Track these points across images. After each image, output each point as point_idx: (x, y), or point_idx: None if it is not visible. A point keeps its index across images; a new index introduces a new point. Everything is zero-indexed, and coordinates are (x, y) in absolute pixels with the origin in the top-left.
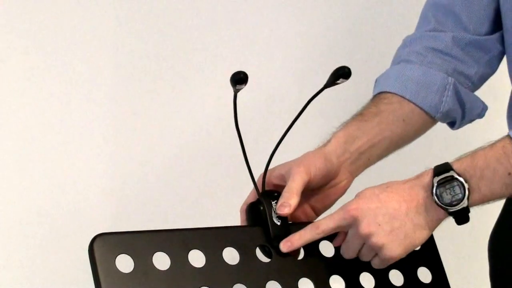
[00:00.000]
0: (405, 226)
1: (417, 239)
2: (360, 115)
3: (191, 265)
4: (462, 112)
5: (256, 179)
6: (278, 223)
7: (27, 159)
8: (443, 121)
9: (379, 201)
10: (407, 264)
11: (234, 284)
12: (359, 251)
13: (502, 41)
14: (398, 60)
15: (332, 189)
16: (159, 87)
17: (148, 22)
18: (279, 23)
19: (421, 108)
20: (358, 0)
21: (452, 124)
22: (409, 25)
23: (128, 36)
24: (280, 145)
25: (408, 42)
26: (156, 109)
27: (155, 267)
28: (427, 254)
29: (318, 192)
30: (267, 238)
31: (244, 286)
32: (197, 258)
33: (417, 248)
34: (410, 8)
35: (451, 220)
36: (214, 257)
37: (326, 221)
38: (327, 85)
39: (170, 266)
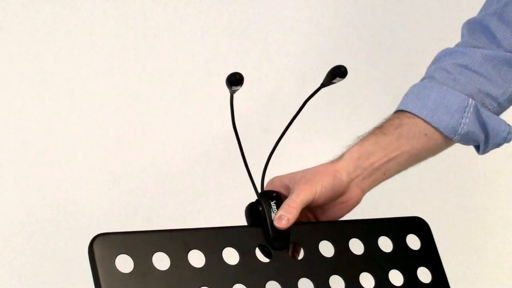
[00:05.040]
0: None
1: None
2: (379, 128)
3: (191, 265)
4: (485, 136)
5: (255, 180)
6: None
7: (27, 159)
8: (464, 144)
9: None
10: (407, 264)
11: (234, 284)
12: None
13: None
14: (425, 76)
15: (340, 205)
16: (159, 86)
17: (148, 22)
18: (279, 23)
19: (437, 129)
20: (358, 0)
21: (477, 148)
22: (409, 24)
23: (128, 37)
24: (279, 145)
25: (439, 57)
26: (156, 109)
27: (155, 267)
28: (427, 254)
29: (324, 207)
30: (266, 238)
31: (244, 286)
32: (197, 258)
33: (417, 250)
34: (410, 8)
35: (451, 220)
36: (213, 257)
37: None
38: (324, 85)
39: (169, 266)
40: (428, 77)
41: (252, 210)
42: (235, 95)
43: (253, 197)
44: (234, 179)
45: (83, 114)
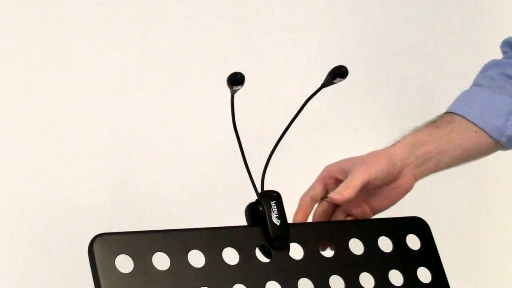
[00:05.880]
0: None
1: None
2: (432, 122)
3: (190, 265)
4: None
5: (255, 180)
6: (278, 223)
7: (26, 159)
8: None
9: None
10: (407, 264)
11: (234, 284)
12: None
13: None
14: (473, 84)
15: (393, 191)
16: (159, 87)
17: (148, 22)
18: (279, 23)
19: (484, 131)
20: (358, 1)
21: None
22: (410, 25)
23: (127, 36)
24: (280, 145)
25: (486, 67)
26: (157, 110)
27: (154, 267)
28: (427, 254)
29: (378, 192)
30: (266, 238)
31: (244, 286)
32: (196, 258)
33: (417, 250)
34: (411, 8)
35: (450, 220)
36: (213, 257)
37: None
38: (324, 85)
39: (169, 266)
40: (475, 84)
41: (252, 210)
42: (236, 95)
43: (253, 197)
44: (234, 179)
45: (83, 114)
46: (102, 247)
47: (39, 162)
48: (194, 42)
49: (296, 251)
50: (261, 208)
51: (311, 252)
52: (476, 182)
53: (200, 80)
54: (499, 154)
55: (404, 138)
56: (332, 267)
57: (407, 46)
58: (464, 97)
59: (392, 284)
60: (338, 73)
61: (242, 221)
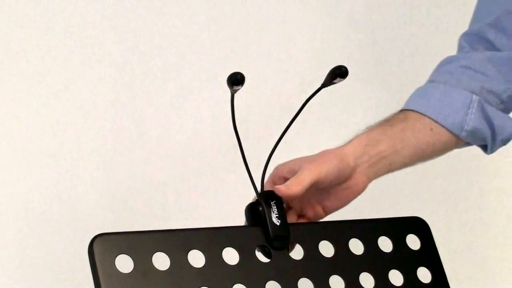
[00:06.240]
0: None
1: None
2: (386, 121)
3: (190, 265)
4: (492, 133)
5: (255, 180)
6: (278, 223)
7: (26, 159)
8: (472, 142)
9: None
10: (407, 264)
11: (234, 284)
12: None
13: None
14: (428, 80)
15: (346, 191)
16: (158, 86)
17: (147, 22)
18: (280, 23)
19: (443, 126)
20: (358, 1)
21: (485, 148)
22: (410, 25)
23: (127, 36)
24: (280, 145)
25: (441, 64)
26: (156, 110)
27: (155, 267)
28: (427, 254)
29: (330, 192)
30: (266, 238)
31: (244, 286)
32: (196, 258)
33: (417, 250)
34: (412, 9)
35: (450, 220)
36: (213, 257)
37: None
38: (324, 85)
39: (169, 266)
40: (431, 81)
41: (252, 210)
42: (236, 95)
43: (253, 197)
44: (234, 179)
45: (83, 113)
46: (102, 247)
47: (39, 162)
48: (194, 41)
49: (296, 251)
50: (261, 208)
51: (311, 252)
52: (476, 181)
53: (199, 80)
54: (500, 154)
55: (357, 137)
56: (332, 267)
57: (409, 47)
58: (420, 93)
59: (392, 284)
60: (338, 73)
61: (242, 221)
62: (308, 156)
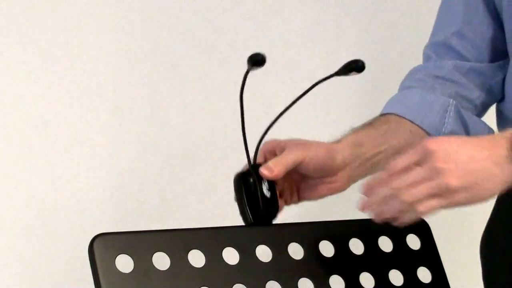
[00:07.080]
0: (482, 171)
1: (487, 190)
2: (369, 124)
3: (191, 265)
4: (467, 135)
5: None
6: (268, 195)
7: (27, 159)
8: None
9: (459, 142)
10: (407, 264)
11: (234, 284)
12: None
13: (503, 69)
14: (400, 89)
15: (325, 185)
16: (159, 86)
17: (149, 20)
18: (280, 23)
19: (422, 128)
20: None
21: None
22: (414, 24)
23: (129, 34)
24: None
25: (410, 73)
26: (157, 109)
27: (155, 267)
28: (427, 254)
29: (310, 182)
30: (255, 209)
31: (244, 286)
32: (197, 258)
33: (417, 250)
34: (416, 6)
35: (450, 220)
36: (214, 257)
37: (400, 157)
38: (338, 73)
39: (170, 266)
40: (406, 87)
41: (241, 181)
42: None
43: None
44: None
45: (83, 113)
46: (102, 247)
47: (39, 162)
48: (194, 40)
49: (296, 251)
50: (251, 180)
51: (311, 252)
52: None
53: (198, 80)
54: None
55: (345, 137)
56: (332, 267)
57: (409, 47)
58: (399, 99)
59: (392, 284)
60: (355, 67)
61: (242, 221)
62: (301, 139)
